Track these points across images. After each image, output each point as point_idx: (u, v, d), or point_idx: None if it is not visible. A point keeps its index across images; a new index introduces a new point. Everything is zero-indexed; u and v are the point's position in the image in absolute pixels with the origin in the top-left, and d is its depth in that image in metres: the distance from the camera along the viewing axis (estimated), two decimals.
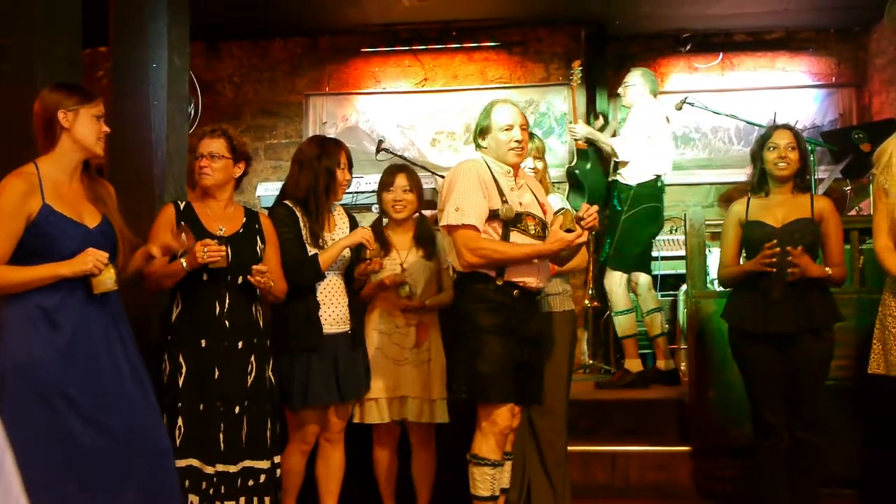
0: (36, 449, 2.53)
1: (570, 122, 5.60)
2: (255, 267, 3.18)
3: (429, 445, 3.76)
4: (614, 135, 5.64)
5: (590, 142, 5.59)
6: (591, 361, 5.91)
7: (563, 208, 3.22)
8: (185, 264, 3.08)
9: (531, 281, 3.27)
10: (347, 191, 4.07)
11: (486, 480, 3.23)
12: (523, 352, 3.24)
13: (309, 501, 3.63)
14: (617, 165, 5.36)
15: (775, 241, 3.47)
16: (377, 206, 3.95)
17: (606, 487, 4.39)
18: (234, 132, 3.37)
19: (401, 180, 3.75)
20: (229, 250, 3.13)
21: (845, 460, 4.15)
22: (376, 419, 3.65)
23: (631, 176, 5.23)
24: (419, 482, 3.78)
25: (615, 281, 5.19)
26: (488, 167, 3.31)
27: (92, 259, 2.67)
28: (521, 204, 3.30)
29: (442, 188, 3.36)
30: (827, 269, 3.56)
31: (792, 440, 3.60)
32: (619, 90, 5.67)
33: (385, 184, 3.80)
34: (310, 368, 3.40)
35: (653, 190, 5.23)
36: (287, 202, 3.54)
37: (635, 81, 5.41)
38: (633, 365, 5.19)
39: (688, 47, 6.89)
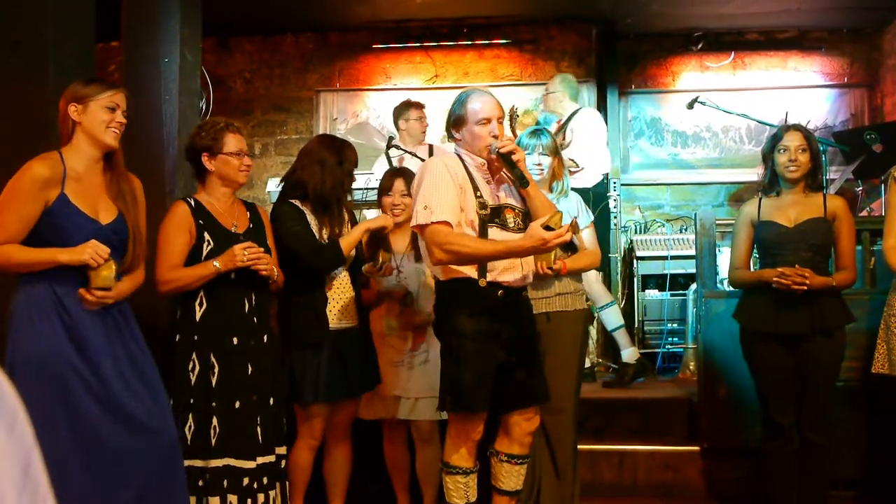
0: (49, 439, 2.53)
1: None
2: (245, 247, 3.09)
3: (431, 442, 3.71)
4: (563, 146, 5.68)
5: None
6: (599, 360, 5.90)
7: (559, 212, 3.09)
8: (219, 265, 3.07)
9: (511, 278, 3.10)
10: (358, 187, 4.10)
11: (460, 489, 3.17)
12: (512, 354, 3.09)
13: (316, 498, 3.63)
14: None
15: (797, 267, 3.44)
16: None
17: (614, 486, 4.38)
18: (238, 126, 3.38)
19: (399, 184, 3.76)
20: None
21: (855, 462, 4.14)
22: (370, 415, 3.70)
23: (587, 180, 5.39)
24: (423, 481, 3.77)
25: (591, 279, 5.23)
26: (462, 161, 3.15)
27: (91, 251, 2.67)
28: (497, 196, 3.15)
29: (412, 189, 3.28)
30: (830, 280, 3.53)
31: (801, 441, 3.59)
32: (543, 94, 5.91)
33: (384, 188, 3.83)
34: (319, 364, 3.40)
35: (603, 188, 5.62)
36: (292, 201, 3.49)
37: (555, 89, 5.71)
38: (629, 355, 5.23)
39: (699, 46, 6.88)
